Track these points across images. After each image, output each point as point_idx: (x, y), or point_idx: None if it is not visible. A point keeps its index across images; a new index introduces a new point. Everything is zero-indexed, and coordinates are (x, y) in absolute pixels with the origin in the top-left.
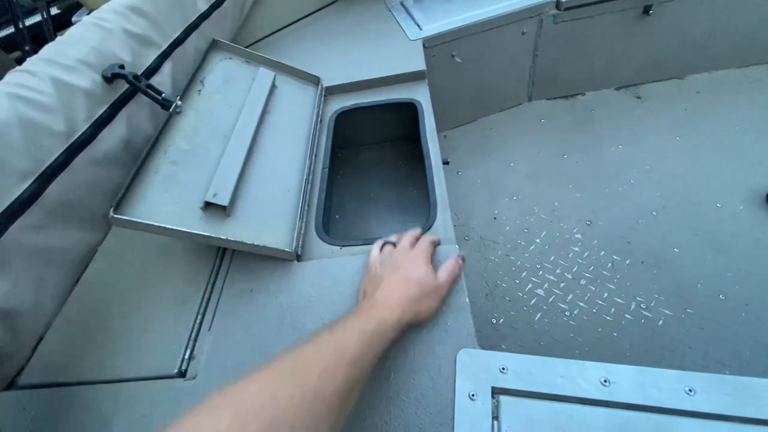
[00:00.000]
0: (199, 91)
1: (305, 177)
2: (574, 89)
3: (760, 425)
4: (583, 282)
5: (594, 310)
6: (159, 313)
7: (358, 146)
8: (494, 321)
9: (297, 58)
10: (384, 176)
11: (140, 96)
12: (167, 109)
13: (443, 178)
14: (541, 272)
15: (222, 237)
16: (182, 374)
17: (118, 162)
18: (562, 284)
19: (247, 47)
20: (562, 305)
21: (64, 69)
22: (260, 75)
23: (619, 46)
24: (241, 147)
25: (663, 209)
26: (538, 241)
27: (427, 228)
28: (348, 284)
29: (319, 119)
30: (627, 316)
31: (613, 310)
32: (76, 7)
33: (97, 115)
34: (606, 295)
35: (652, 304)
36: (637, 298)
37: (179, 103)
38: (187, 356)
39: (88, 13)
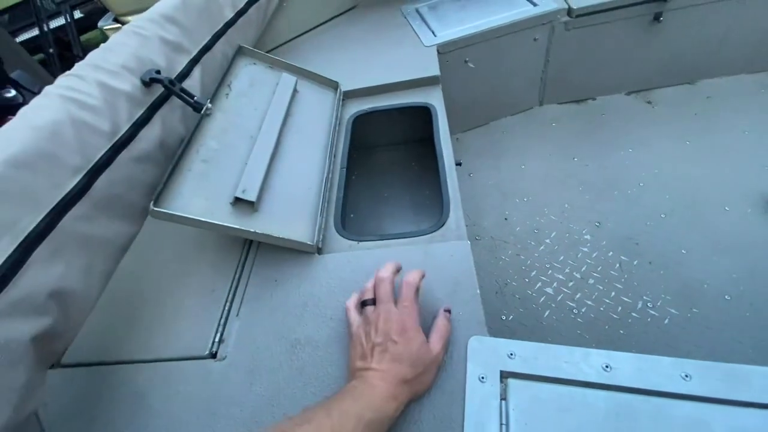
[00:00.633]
0: (227, 94)
1: (325, 176)
2: (585, 94)
3: (750, 407)
4: (591, 281)
5: (601, 309)
6: (191, 299)
7: (373, 148)
8: (504, 318)
9: (316, 62)
10: (397, 177)
11: (173, 99)
12: (199, 111)
13: (456, 179)
14: (550, 271)
15: (250, 230)
16: (213, 355)
17: (154, 160)
18: (571, 283)
19: (268, 52)
20: (570, 303)
21: (108, 74)
22: (283, 80)
23: (630, 52)
24: (267, 147)
25: (671, 212)
26: (547, 241)
27: (440, 225)
28: (364, 276)
29: (338, 122)
30: (633, 314)
31: (620, 308)
32: (98, 11)
33: (136, 117)
34: (613, 294)
35: (659, 304)
36: (644, 298)
37: (209, 105)
38: (217, 339)
39: (114, 18)
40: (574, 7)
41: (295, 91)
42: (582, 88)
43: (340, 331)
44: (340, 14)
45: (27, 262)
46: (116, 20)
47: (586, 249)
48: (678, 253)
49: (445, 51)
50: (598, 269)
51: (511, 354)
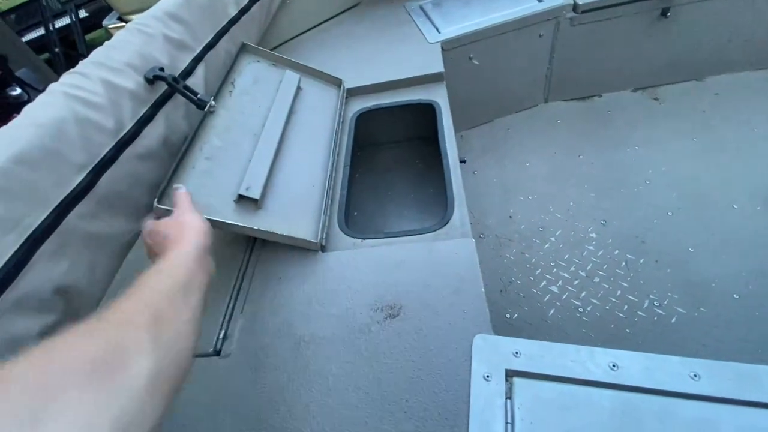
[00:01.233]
0: (231, 92)
1: (328, 174)
2: (590, 90)
3: (760, 408)
4: (596, 280)
5: (607, 307)
6: None
7: (377, 145)
8: (508, 316)
9: (320, 60)
10: (401, 174)
11: (177, 96)
12: (202, 108)
13: (460, 176)
14: (555, 270)
15: (254, 227)
16: (217, 352)
17: (157, 157)
18: (576, 281)
19: (272, 49)
20: (576, 302)
21: (112, 71)
22: (287, 77)
23: (637, 47)
24: (270, 145)
25: (678, 210)
26: (552, 239)
27: (444, 223)
28: (368, 274)
29: (341, 119)
30: (640, 313)
31: (626, 307)
32: (103, 10)
33: (140, 114)
34: (619, 292)
35: (666, 302)
36: (650, 296)
37: (213, 103)
38: (221, 336)
39: (119, 17)
40: (580, 3)
41: (298, 88)
42: (587, 85)
43: (344, 329)
44: (344, 11)
45: (32, 259)
46: (121, 19)
47: (591, 247)
48: (685, 251)
49: (449, 48)
50: (604, 267)
51: (517, 353)
